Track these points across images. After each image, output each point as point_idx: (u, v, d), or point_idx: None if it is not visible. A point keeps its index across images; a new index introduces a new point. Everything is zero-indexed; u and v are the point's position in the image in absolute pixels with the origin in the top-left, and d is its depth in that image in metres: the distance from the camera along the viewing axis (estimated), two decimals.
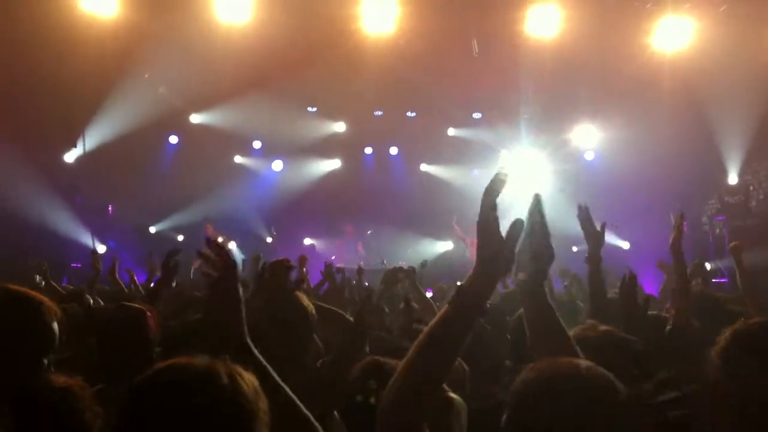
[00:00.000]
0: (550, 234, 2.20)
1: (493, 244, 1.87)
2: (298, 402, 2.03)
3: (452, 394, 2.83)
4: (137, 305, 3.64)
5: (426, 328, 1.87)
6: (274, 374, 2.05)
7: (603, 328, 2.80)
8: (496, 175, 1.98)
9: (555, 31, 11.91)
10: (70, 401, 2.40)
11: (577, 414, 1.68)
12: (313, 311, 3.49)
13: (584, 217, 4.42)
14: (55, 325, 2.77)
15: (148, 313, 3.53)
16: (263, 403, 1.67)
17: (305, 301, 3.50)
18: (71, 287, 6.94)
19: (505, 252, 1.87)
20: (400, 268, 6.67)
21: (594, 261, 4.30)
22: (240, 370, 1.68)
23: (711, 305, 4.42)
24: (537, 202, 2.27)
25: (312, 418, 2.06)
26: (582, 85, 14.18)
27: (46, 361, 2.71)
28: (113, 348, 3.44)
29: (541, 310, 2.21)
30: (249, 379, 1.67)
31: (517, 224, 1.89)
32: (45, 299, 2.82)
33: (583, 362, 1.82)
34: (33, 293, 2.84)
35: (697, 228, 15.17)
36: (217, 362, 1.66)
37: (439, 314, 1.87)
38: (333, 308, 4.30)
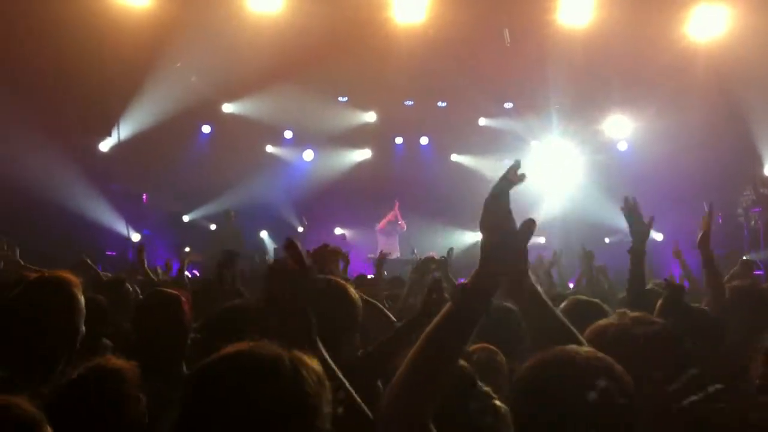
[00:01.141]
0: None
1: (496, 242, 1.87)
2: (359, 399, 2.09)
3: (498, 402, 2.78)
4: (171, 291, 3.71)
5: (429, 326, 1.87)
6: (338, 371, 2.12)
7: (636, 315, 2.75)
8: (503, 178, 1.97)
9: (587, 20, 11.81)
10: (118, 383, 2.46)
11: (569, 400, 1.70)
12: (360, 304, 3.45)
13: (631, 209, 4.37)
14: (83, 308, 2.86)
15: (183, 299, 3.60)
16: (326, 395, 1.68)
17: (353, 292, 3.47)
18: (111, 275, 7.05)
19: (509, 250, 1.87)
20: (432, 258, 6.68)
21: (637, 255, 4.27)
22: (305, 359, 1.69)
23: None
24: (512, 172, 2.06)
25: (371, 417, 2.12)
26: (614, 74, 14.05)
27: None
28: (148, 332, 3.51)
29: (536, 307, 2.19)
30: (313, 369, 1.68)
31: (528, 223, 1.88)
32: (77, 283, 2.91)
33: (582, 350, 1.82)
34: (71, 278, 2.93)
35: (732, 219, 14.95)
36: (282, 350, 1.67)
37: (442, 312, 1.86)
38: (372, 300, 4.32)
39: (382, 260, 7.89)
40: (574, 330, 2.18)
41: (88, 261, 7.76)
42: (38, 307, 2.83)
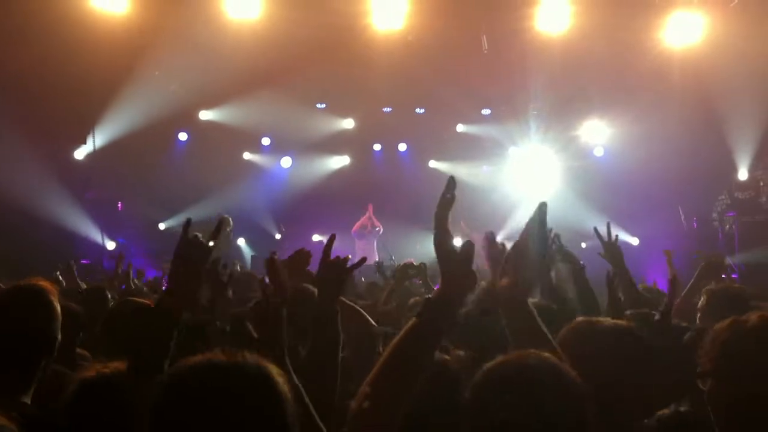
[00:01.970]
0: (546, 245, 2.21)
1: (451, 260, 1.90)
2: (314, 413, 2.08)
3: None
4: (142, 300, 3.69)
5: (394, 341, 1.88)
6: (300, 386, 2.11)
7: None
8: (444, 194, 2.03)
9: (565, 27, 11.87)
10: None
11: (522, 404, 1.69)
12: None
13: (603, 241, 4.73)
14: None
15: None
16: (293, 401, 1.65)
17: None
18: (92, 284, 7.02)
19: (466, 268, 1.89)
20: (411, 264, 6.70)
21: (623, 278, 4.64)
22: (275, 368, 1.65)
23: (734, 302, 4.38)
24: (541, 211, 2.27)
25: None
26: (591, 81, 14.15)
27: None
28: (120, 342, 3.47)
29: (525, 319, 2.20)
30: (283, 376, 1.66)
31: (465, 245, 1.92)
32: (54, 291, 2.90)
33: (537, 355, 1.83)
34: (47, 286, 2.92)
35: (707, 224, 15.11)
36: (261, 362, 1.64)
37: (406, 327, 1.88)
38: (351, 303, 4.32)
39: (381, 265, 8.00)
40: (550, 337, 2.20)
41: (74, 269, 7.73)
42: (15, 315, 2.81)
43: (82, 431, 2.43)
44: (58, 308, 2.91)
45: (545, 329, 2.19)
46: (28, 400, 2.70)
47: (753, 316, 2.17)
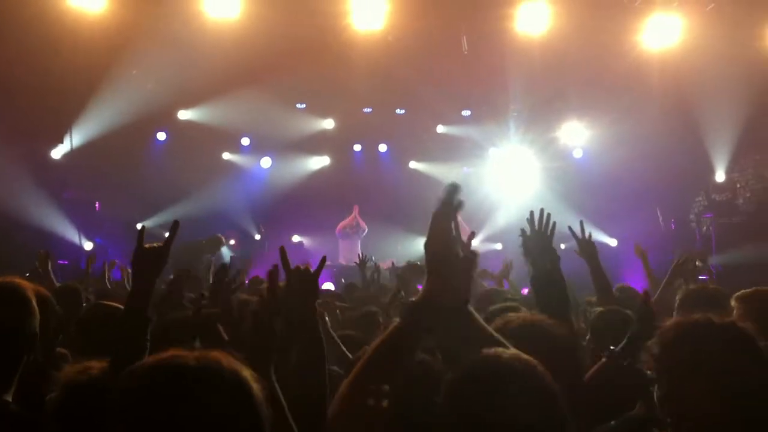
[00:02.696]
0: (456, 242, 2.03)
1: (441, 262, 1.88)
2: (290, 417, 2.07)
3: None
4: (115, 303, 3.67)
5: (375, 342, 1.89)
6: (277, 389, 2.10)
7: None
8: (443, 204, 1.94)
9: (544, 29, 11.93)
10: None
11: (497, 401, 1.69)
12: None
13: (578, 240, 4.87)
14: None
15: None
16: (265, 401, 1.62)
17: None
18: (66, 283, 6.93)
19: (464, 278, 1.90)
20: (415, 265, 6.70)
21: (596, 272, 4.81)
22: (242, 366, 1.62)
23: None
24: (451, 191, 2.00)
25: None
26: (571, 82, 14.22)
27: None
28: (93, 345, 3.45)
29: (469, 326, 2.17)
30: (252, 375, 1.62)
31: (469, 255, 1.92)
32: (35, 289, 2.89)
33: (512, 354, 1.83)
34: (25, 283, 2.91)
35: (684, 225, 15.23)
36: (227, 357, 1.60)
37: (390, 328, 1.88)
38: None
39: (363, 264, 8.02)
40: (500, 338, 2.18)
41: (49, 264, 7.63)
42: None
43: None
44: (35, 305, 2.89)
45: (492, 331, 2.14)
46: (9, 397, 2.68)
47: (696, 317, 2.20)
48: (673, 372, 2.15)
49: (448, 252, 1.88)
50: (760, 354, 2.14)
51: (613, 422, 2.76)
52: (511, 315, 2.65)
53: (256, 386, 1.59)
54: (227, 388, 1.54)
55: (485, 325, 2.10)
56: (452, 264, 1.88)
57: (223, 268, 4.49)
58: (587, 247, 4.81)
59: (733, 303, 3.96)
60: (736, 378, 2.06)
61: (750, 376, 2.07)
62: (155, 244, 2.84)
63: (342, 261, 15.75)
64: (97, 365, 2.57)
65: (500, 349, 1.86)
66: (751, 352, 2.12)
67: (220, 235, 13.92)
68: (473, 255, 1.92)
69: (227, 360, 1.59)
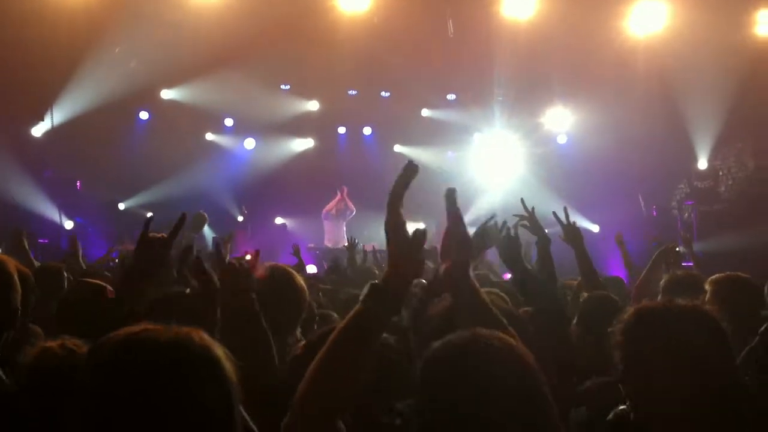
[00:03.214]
0: (464, 224, 2.31)
1: (402, 245, 1.89)
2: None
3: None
4: (96, 281, 3.65)
5: (339, 326, 1.86)
6: None
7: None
8: (401, 177, 2.01)
9: (530, 13, 11.91)
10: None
11: (473, 381, 1.68)
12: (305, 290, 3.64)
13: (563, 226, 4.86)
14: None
15: (108, 289, 3.55)
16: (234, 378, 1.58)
17: (299, 279, 3.65)
18: (47, 263, 6.86)
19: (415, 253, 1.88)
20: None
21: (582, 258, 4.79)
22: (214, 343, 1.58)
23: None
24: (450, 196, 2.32)
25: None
26: (556, 67, 14.21)
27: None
28: (72, 323, 3.43)
29: (469, 296, 2.21)
30: (220, 348, 1.58)
31: (418, 231, 1.91)
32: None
33: (489, 333, 1.81)
34: (5, 257, 2.89)
35: (666, 212, 15.31)
36: (199, 334, 1.57)
37: (351, 312, 1.86)
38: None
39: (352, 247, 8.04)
40: (502, 318, 2.20)
41: (25, 242, 7.54)
42: None
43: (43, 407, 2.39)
44: (17, 280, 2.88)
45: (491, 306, 2.20)
46: None
47: (659, 300, 2.22)
48: (634, 354, 2.15)
49: (399, 231, 1.90)
50: (723, 336, 2.14)
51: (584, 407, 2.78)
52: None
53: (227, 364, 1.56)
54: (197, 363, 1.51)
55: (484, 300, 2.13)
56: (403, 242, 1.89)
57: (187, 250, 4.49)
58: (572, 233, 4.80)
59: (706, 287, 4.00)
60: (698, 360, 2.06)
61: (711, 358, 2.08)
62: (160, 235, 2.81)
63: (327, 243, 15.69)
64: (56, 344, 2.53)
65: (479, 328, 1.84)
66: (713, 334, 2.12)
67: (203, 212, 13.86)
68: (420, 231, 1.90)
69: (199, 336, 1.55)
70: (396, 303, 1.84)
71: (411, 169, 2.01)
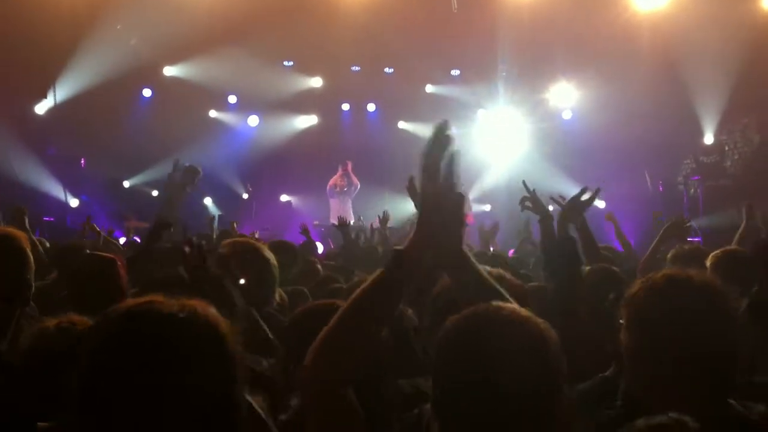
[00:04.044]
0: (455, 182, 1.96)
1: (432, 211, 1.84)
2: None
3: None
4: (107, 254, 3.67)
5: (359, 289, 1.83)
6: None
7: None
8: (434, 141, 1.86)
9: None
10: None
11: (492, 352, 1.65)
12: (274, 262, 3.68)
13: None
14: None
15: (119, 262, 3.57)
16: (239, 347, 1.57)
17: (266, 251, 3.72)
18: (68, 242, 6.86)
19: (445, 220, 1.84)
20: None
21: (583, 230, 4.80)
22: (213, 313, 1.56)
23: None
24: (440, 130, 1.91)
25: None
26: (560, 43, 14.12)
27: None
28: (84, 296, 3.45)
29: (474, 277, 2.10)
30: (229, 326, 1.57)
31: (459, 197, 1.85)
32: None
33: (506, 306, 1.79)
34: (19, 233, 2.91)
35: (672, 188, 15.27)
36: (196, 302, 1.55)
37: (372, 276, 1.83)
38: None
39: (345, 226, 8.01)
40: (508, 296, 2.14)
41: (26, 220, 7.53)
42: None
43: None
44: (31, 256, 2.88)
45: (492, 281, 2.09)
46: (4, 347, 2.68)
47: (659, 274, 2.19)
48: (639, 325, 2.13)
49: (440, 197, 1.83)
50: (730, 312, 2.13)
51: (588, 383, 2.77)
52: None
53: (232, 340, 1.54)
54: (199, 340, 1.49)
55: (486, 275, 2.07)
56: (444, 209, 1.83)
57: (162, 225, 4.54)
58: (571, 211, 4.82)
59: (708, 262, 4.01)
60: (703, 336, 2.04)
61: (717, 335, 2.06)
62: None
63: (333, 221, 15.69)
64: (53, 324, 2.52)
65: (499, 302, 1.82)
66: (720, 308, 2.10)
67: (195, 165, 13.90)
68: (460, 197, 1.85)
69: (204, 310, 1.54)
70: (418, 270, 1.82)
71: (443, 127, 1.87)
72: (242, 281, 3.27)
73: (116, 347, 1.47)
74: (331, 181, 16.08)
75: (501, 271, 2.68)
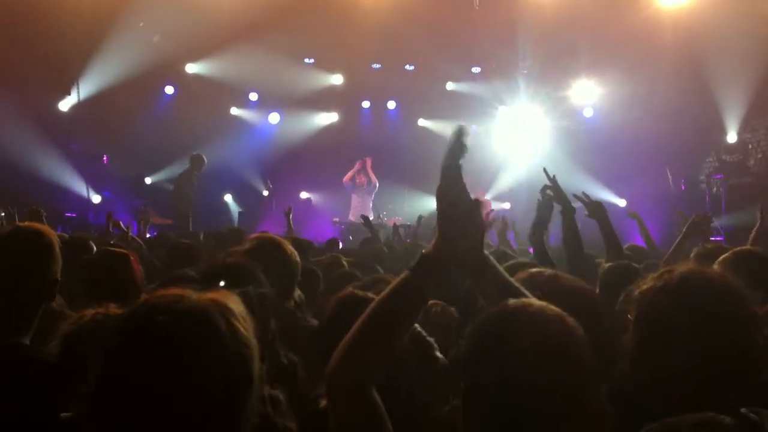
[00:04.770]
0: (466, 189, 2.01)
1: (453, 214, 1.83)
2: None
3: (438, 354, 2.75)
4: (121, 249, 3.71)
5: (384, 292, 1.83)
6: None
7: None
8: (453, 145, 1.85)
9: None
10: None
11: (529, 357, 1.62)
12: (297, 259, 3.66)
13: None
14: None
15: (132, 257, 3.60)
16: (254, 342, 1.59)
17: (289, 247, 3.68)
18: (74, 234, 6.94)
19: (467, 222, 1.83)
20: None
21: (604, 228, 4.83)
22: (230, 304, 1.58)
23: None
24: (458, 137, 1.91)
25: None
26: (581, 40, 14.05)
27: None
28: (99, 290, 3.48)
29: (490, 273, 2.09)
30: (240, 313, 1.58)
31: (473, 203, 1.83)
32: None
33: (538, 303, 1.77)
34: (47, 229, 2.95)
35: (695, 186, 15.15)
36: (207, 299, 1.57)
37: (398, 279, 1.83)
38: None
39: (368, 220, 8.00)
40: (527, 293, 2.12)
41: (43, 221, 7.56)
42: (15, 256, 2.82)
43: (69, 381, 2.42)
44: (58, 251, 2.91)
45: (512, 282, 2.06)
46: (27, 341, 2.71)
47: (674, 271, 2.14)
48: (648, 324, 2.09)
49: (458, 201, 1.83)
50: (746, 311, 2.08)
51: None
52: (535, 270, 2.59)
53: (249, 340, 1.56)
54: (215, 338, 1.50)
55: (507, 276, 2.05)
56: (462, 213, 1.83)
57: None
58: (596, 208, 4.83)
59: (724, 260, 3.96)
60: (716, 339, 1.99)
61: (732, 338, 2.02)
62: None
63: (351, 218, 15.69)
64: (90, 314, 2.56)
65: (527, 299, 1.80)
66: (735, 304, 2.06)
67: (199, 154, 14.04)
68: (477, 202, 1.83)
69: (221, 308, 1.56)
70: (442, 274, 1.82)
71: (461, 131, 1.87)
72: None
73: (131, 341, 1.51)
74: (349, 175, 16.01)
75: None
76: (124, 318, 1.56)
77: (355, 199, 15.99)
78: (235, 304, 1.59)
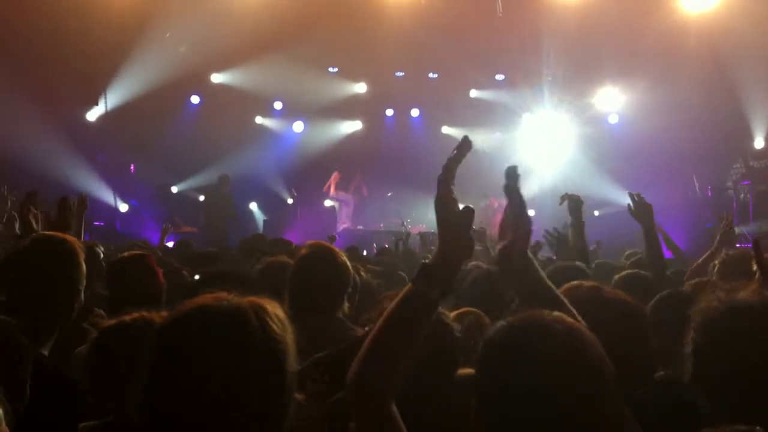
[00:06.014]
0: (525, 205, 2.13)
1: (453, 224, 1.85)
2: None
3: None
4: (142, 251, 3.76)
5: (389, 306, 1.84)
6: None
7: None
8: (454, 155, 1.94)
9: None
10: None
11: (539, 366, 1.65)
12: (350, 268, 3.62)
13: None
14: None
15: (152, 257, 3.65)
16: (290, 335, 1.67)
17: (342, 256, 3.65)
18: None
19: (462, 233, 1.85)
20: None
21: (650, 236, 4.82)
22: (265, 305, 1.67)
23: None
24: (512, 175, 2.19)
25: None
26: (606, 47, 13.96)
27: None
28: (122, 290, 3.52)
29: (530, 278, 2.12)
30: (275, 313, 1.67)
31: (465, 210, 1.86)
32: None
33: (551, 314, 1.78)
34: (72, 237, 2.97)
35: (722, 192, 15.00)
36: (243, 301, 1.65)
37: (401, 293, 1.84)
38: None
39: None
40: (565, 300, 2.13)
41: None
42: (40, 266, 2.86)
43: (97, 378, 2.45)
44: (83, 263, 2.94)
45: (553, 287, 2.12)
46: (46, 352, 2.73)
47: (720, 306, 2.12)
48: (707, 358, 2.08)
49: (449, 210, 1.87)
50: None
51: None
52: (576, 282, 2.60)
53: (285, 344, 1.64)
54: (252, 344, 1.59)
55: (549, 282, 2.09)
56: (452, 222, 1.86)
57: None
58: (644, 210, 4.69)
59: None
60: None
61: None
62: None
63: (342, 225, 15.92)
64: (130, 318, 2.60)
65: (541, 309, 1.81)
66: None
67: (225, 173, 14.32)
68: (468, 210, 1.86)
69: (258, 312, 1.64)
70: (446, 283, 1.82)
71: (465, 145, 1.95)
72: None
73: (169, 348, 1.61)
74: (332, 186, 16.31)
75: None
76: (174, 319, 1.65)
77: (343, 208, 16.21)
78: (272, 306, 1.68)
